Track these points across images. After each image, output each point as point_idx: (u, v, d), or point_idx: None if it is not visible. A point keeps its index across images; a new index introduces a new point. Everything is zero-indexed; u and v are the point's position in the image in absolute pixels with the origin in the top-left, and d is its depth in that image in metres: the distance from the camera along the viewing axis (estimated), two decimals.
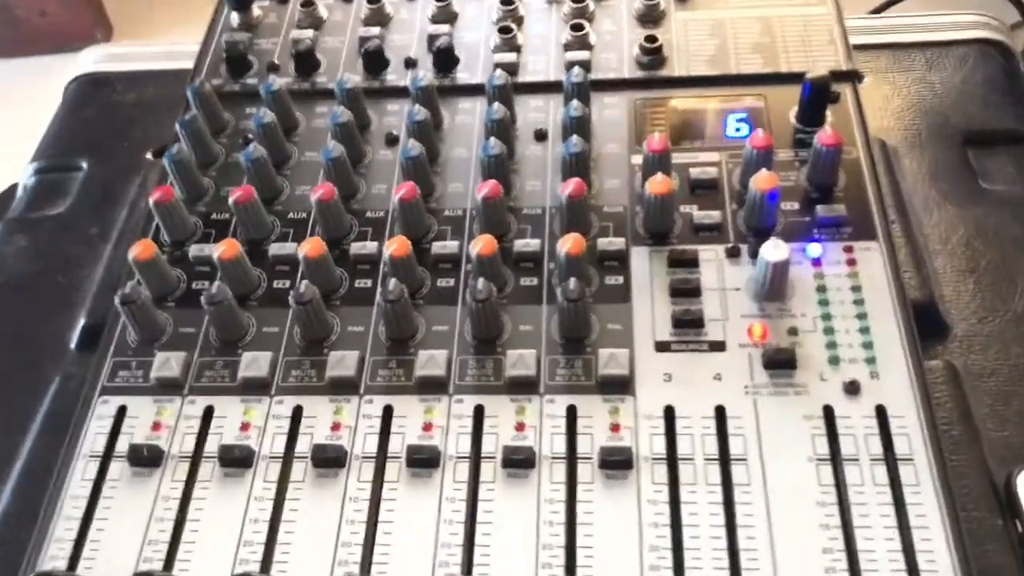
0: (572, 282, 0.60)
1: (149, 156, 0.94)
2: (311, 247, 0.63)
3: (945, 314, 0.72)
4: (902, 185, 0.80)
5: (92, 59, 1.09)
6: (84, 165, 0.94)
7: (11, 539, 0.65)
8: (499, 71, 0.73)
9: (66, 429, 0.70)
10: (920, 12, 1.03)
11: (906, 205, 0.78)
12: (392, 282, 0.61)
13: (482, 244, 0.62)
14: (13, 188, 1.03)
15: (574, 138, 0.67)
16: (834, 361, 0.60)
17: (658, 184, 0.64)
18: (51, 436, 0.70)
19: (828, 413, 0.58)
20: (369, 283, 0.66)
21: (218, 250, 0.64)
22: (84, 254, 0.84)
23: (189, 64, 1.05)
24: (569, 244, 0.62)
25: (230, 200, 0.67)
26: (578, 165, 0.68)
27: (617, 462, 0.56)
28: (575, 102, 0.70)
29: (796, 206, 0.68)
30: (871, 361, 0.60)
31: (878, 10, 1.26)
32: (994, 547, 0.58)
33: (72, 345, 0.76)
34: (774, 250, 0.61)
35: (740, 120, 0.73)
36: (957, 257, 0.76)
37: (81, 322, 0.76)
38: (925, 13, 1.02)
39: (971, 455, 0.62)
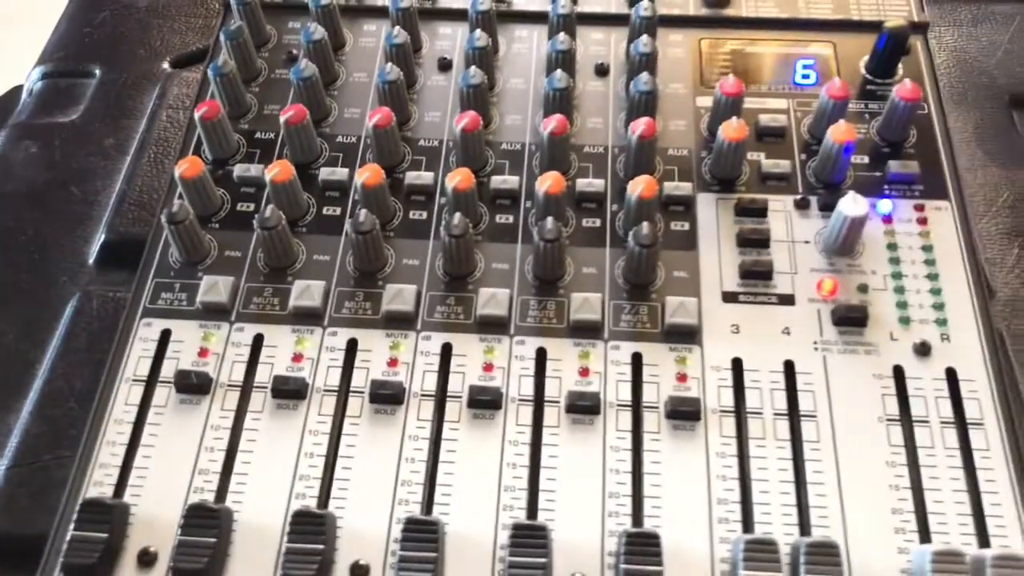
0: (645, 227, 0.58)
1: (166, 66, 0.90)
2: (370, 175, 0.61)
3: (991, 277, 0.71)
4: None
5: None
6: (96, 71, 0.90)
7: (35, 460, 0.63)
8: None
9: (87, 349, 0.67)
10: None
11: None
12: (457, 216, 0.59)
13: (551, 182, 0.60)
14: (15, 91, 0.99)
15: (644, 76, 0.65)
16: (905, 321, 0.59)
17: (733, 129, 0.62)
18: (71, 356, 0.68)
19: (898, 373, 0.57)
20: (424, 215, 0.64)
21: (271, 172, 0.61)
22: (99, 165, 0.80)
23: None
24: (642, 187, 0.59)
25: (281, 119, 0.64)
26: (648, 105, 0.65)
27: (685, 412, 0.55)
28: (645, 38, 0.67)
29: (866, 160, 0.66)
30: (942, 323, 0.59)
31: None
32: None
33: (90, 261, 0.74)
34: (853, 204, 0.59)
35: (808, 67, 0.71)
36: (1002, 219, 0.75)
37: (100, 238, 0.74)
38: None
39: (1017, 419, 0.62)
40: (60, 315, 0.70)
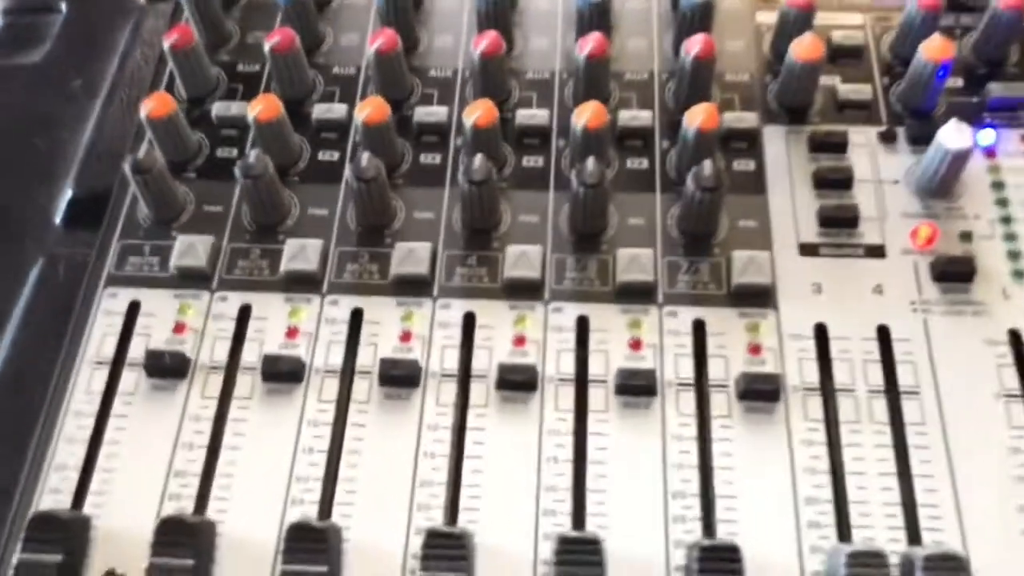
0: (708, 165, 0.48)
1: None
2: (372, 111, 0.51)
3: None
4: None
5: None
6: (62, 6, 0.81)
7: None
8: None
9: (53, 322, 0.58)
10: None
11: None
12: (477, 159, 0.49)
13: (590, 114, 0.50)
14: None
15: None
16: (1018, 275, 0.49)
17: (807, 48, 0.52)
18: (35, 330, 0.59)
19: (1015, 338, 0.47)
20: (438, 158, 0.54)
21: (254, 109, 0.51)
22: (66, 112, 0.72)
23: None
24: (702, 117, 0.49)
25: (266, 47, 0.54)
26: (702, 19, 0.55)
27: (760, 391, 0.46)
28: None
29: (960, 83, 0.55)
30: None
31: None
32: None
33: (57, 220, 0.65)
34: (956, 135, 0.49)
35: None
36: None
37: (68, 193, 0.65)
38: None
39: None
40: (23, 282, 0.62)
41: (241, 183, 0.50)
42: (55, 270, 0.62)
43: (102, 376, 0.48)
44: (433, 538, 0.41)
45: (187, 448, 0.46)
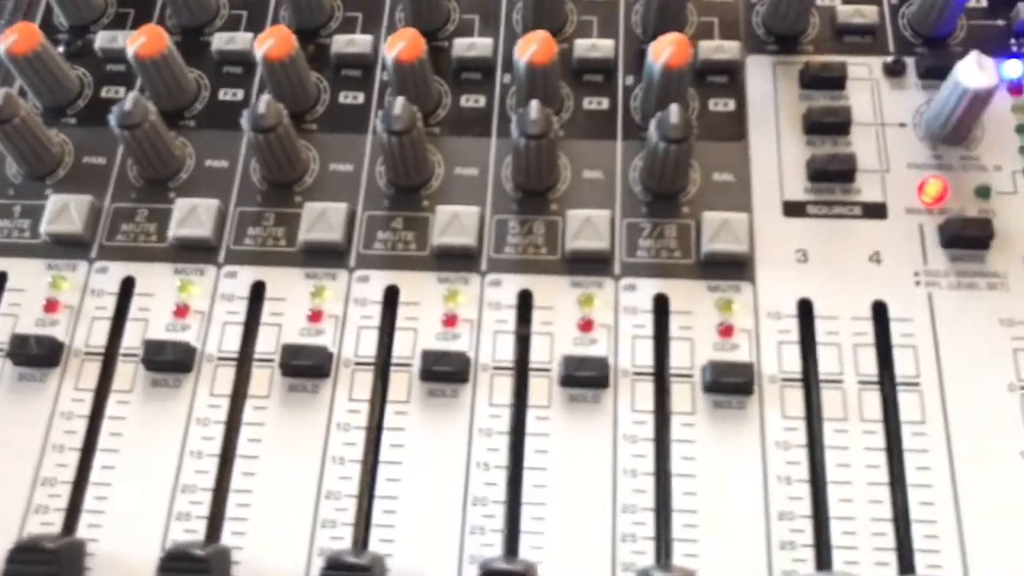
0: (675, 112, 0.40)
1: None
2: (276, 42, 0.43)
3: None
4: None
5: None
6: None
7: None
8: None
9: None
10: None
11: None
12: (399, 103, 0.41)
13: (535, 48, 0.41)
14: None
15: None
16: None
17: None
18: None
19: None
20: (360, 98, 0.46)
21: (135, 43, 0.42)
22: None
23: None
24: (670, 51, 0.41)
25: None
26: None
27: (731, 384, 0.39)
28: None
29: (983, 3, 0.47)
30: None
31: None
32: None
33: None
34: (977, 70, 0.41)
35: None
36: None
37: None
38: None
39: None
40: None
41: (119, 134, 0.42)
42: None
43: None
44: (335, 570, 0.35)
45: (56, 451, 0.40)
